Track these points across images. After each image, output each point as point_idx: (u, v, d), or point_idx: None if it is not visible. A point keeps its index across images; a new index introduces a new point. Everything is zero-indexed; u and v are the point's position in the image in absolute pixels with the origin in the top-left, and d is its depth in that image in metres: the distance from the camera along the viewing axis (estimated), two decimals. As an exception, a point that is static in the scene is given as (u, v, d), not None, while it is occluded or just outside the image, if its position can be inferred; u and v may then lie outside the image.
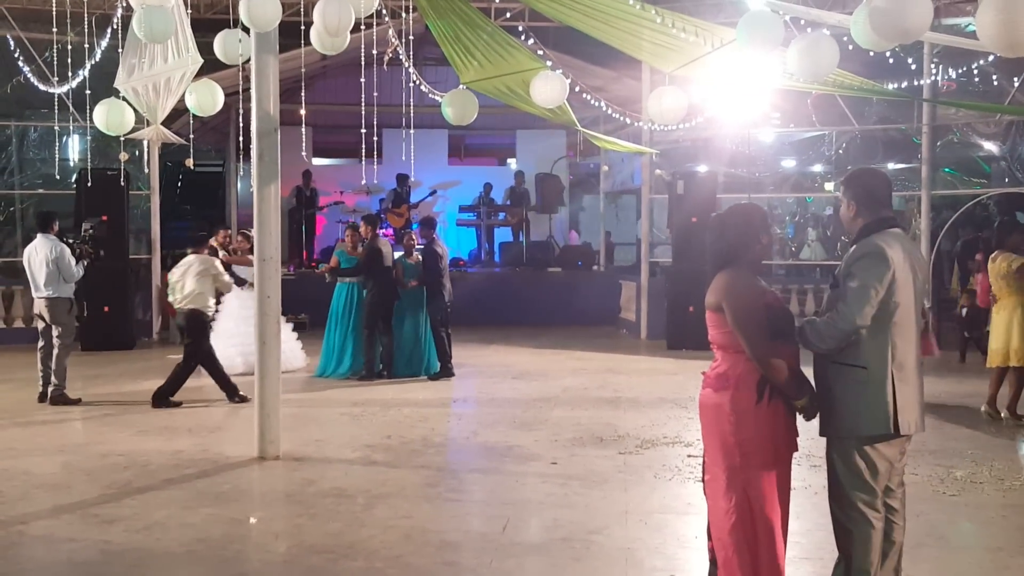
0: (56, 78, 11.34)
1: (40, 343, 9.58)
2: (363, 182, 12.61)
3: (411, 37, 10.99)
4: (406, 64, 10.79)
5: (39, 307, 9.56)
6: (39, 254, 9.44)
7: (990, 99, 15.26)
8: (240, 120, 12.52)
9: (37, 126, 16.89)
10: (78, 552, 5.26)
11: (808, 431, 4.23)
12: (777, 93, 12.16)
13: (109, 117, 9.02)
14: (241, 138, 10.55)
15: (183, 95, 9.15)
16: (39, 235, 9.60)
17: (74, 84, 11.13)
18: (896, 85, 12.12)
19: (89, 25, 9.79)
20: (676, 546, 5.32)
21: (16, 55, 13.27)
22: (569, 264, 18.27)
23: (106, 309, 13.46)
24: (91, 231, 9.91)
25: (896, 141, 18.53)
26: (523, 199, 19.16)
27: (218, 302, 11.10)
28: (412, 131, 10.48)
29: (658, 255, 16.12)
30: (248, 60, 7.66)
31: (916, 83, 13.41)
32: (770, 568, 4.00)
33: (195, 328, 9.40)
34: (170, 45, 8.64)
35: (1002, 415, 8.67)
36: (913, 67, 13.67)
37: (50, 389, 9.45)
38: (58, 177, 15.16)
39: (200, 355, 9.45)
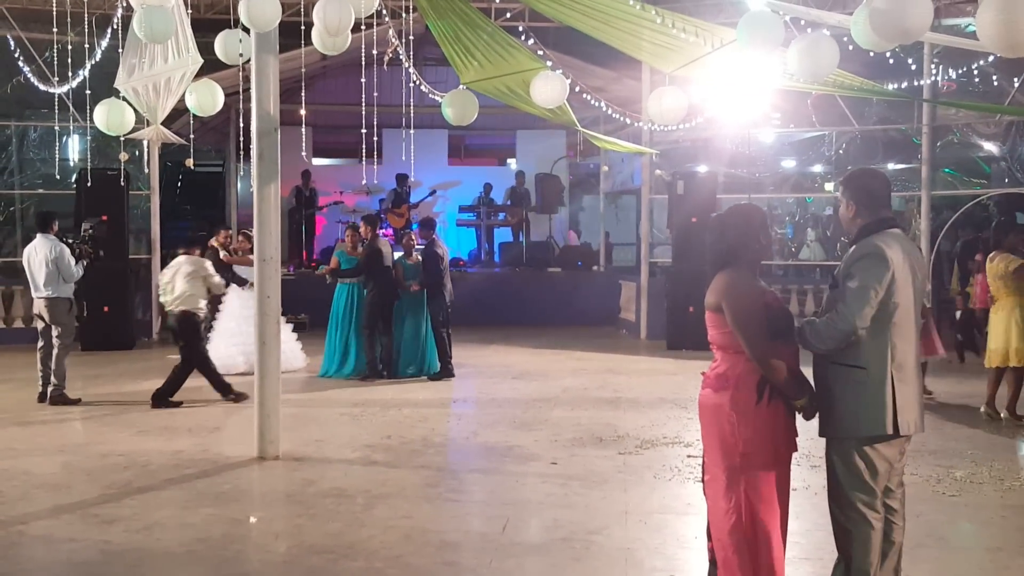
0: (56, 78, 11.35)
1: (40, 343, 9.58)
2: (363, 182, 12.64)
3: (411, 37, 11.00)
4: (406, 64, 10.79)
5: (39, 307, 9.56)
6: (39, 254, 9.44)
7: (990, 99, 15.26)
8: (240, 120, 12.51)
9: (37, 126, 16.91)
10: (78, 552, 5.26)
11: (808, 431, 4.23)
12: (777, 93, 12.16)
13: (109, 117, 9.03)
14: (241, 138, 10.54)
15: (183, 95, 9.16)
16: (39, 235, 9.60)
17: (74, 84, 11.15)
18: (896, 85, 12.11)
19: (89, 25, 9.79)
20: (676, 546, 5.32)
21: (16, 55, 13.25)
22: (569, 264, 18.25)
23: (106, 309, 13.46)
24: (91, 231, 9.91)
25: (896, 141, 18.55)
26: (523, 199, 19.13)
27: (218, 302, 11.14)
28: (412, 131, 10.50)
29: (658, 255, 16.11)
30: (248, 60, 7.67)
31: (916, 83, 13.41)
32: (769, 568, 4.00)
33: (187, 330, 9.38)
34: (170, 45, 8.64)
35: (1001, 415, 8.67)
36: (913, 67, 13.67)
37: (50, 389, 9.45)
38: (58, 177, 15.16)
39: (197, 356, 9.46)
